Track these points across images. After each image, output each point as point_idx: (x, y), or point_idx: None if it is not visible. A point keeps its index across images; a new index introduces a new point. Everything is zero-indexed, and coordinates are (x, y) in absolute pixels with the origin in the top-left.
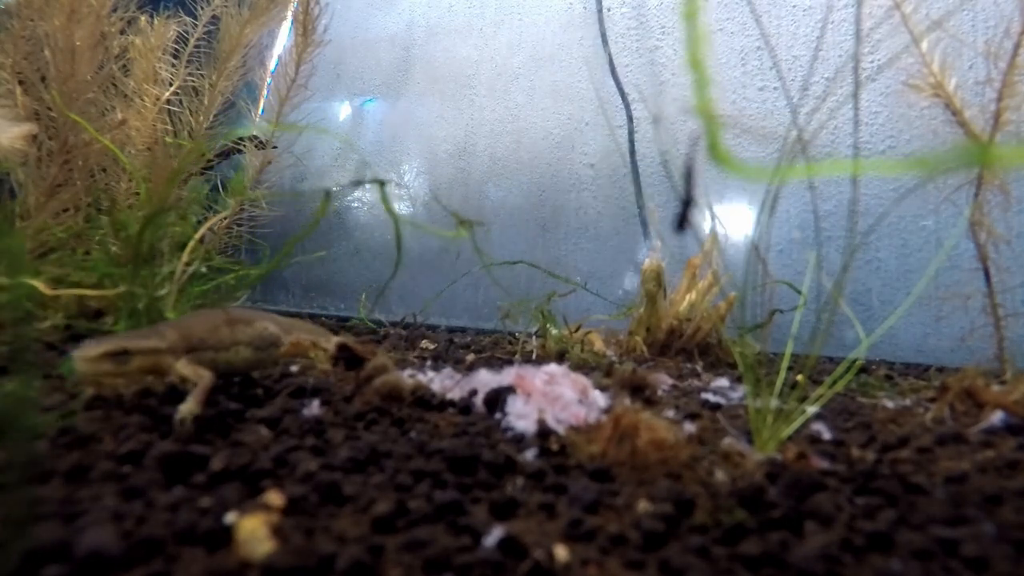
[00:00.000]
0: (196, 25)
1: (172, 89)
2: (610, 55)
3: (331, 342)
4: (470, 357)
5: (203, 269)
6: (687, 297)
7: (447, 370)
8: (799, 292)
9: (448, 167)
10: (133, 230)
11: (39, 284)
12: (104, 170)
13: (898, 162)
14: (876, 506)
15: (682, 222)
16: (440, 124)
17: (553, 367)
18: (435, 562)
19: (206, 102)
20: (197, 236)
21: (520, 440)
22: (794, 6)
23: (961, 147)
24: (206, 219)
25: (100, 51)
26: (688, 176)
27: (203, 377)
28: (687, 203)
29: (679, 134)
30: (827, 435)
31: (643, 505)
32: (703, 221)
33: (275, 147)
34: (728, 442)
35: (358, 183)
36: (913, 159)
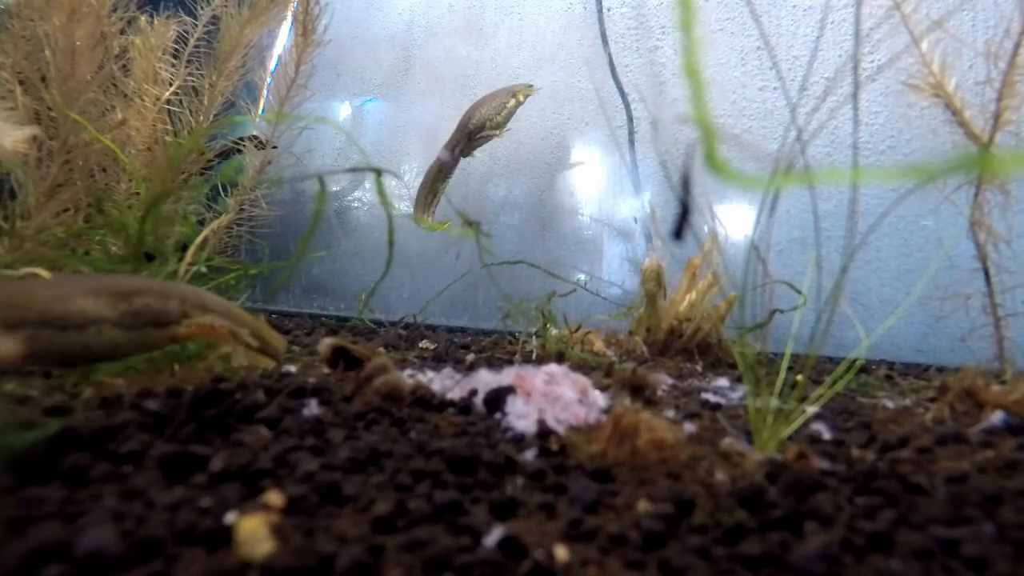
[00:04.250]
0: (196, 25)
1: (172, 89)
2: (610, 55)
3: (248, 333)
4: (470, 357)
5: (203, 269)
6: (687, 297)
7: (447, 370)
8: (799, 292)
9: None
10: (132, 230)
11: (43, 272)
12: (104, 170)
13: (897, 170)
14: (876, 506)
15: (679, 230)
16: (440, 124)
17: (553, 367)
18: (435, 562)
19: (206, 102)
20: (200, 239)
21: (520, 440)
22: (794, 6)
23: (961, 154)
24: (207, 219)
25: (100, 51)
26: (685, 185)
27: None
28: (684, 212)
29: (679, 134)
30: (827, 435)
31: (643, 505)
32: (703, 222)
33: (275, 147)
34: (728, 442)
35: (353, 170)
36: (912, 167)
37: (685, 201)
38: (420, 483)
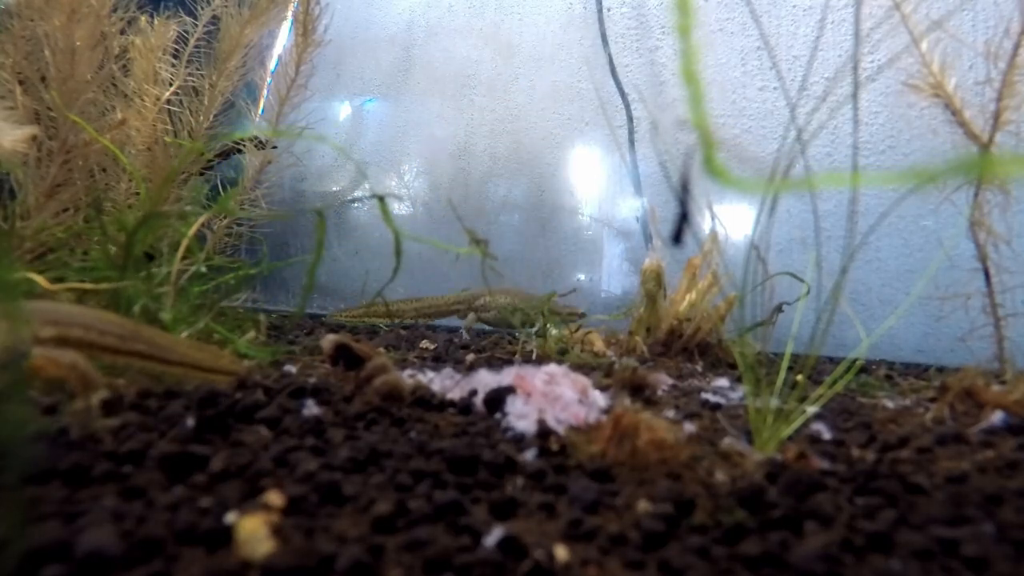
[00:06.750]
0: (196, 25)
1: (172, 89)
2: (610, 55)
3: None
4: (470, 357)
5: (203, 269)
6: (687, 297)
7: (447, 370)
8: (802, 280)
9: (448, 167)
10: (130, 230)
11: (41, 279)
12: (104, 170)
13: (896, 173)
14: (876, 506)
15: (678, 235)
16: (440, 124)
17: (553, 367)
18: (435, 562)
19: (206, 102)
20: (190, 233)
21: (520, 440)
22: (794, 6)
23: (960, 155)
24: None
25: (100, 51)
26: (684, 189)
27: None
28: (683, 216)
29: (679, 134)
30: (827, 435)
31: (643, 505)
32: (703, 222)
33: (275, 147)
34: (728, 442)
35: (354, 200)
36: (911, 169)
37: (684, 205)
38: (420, 483)
